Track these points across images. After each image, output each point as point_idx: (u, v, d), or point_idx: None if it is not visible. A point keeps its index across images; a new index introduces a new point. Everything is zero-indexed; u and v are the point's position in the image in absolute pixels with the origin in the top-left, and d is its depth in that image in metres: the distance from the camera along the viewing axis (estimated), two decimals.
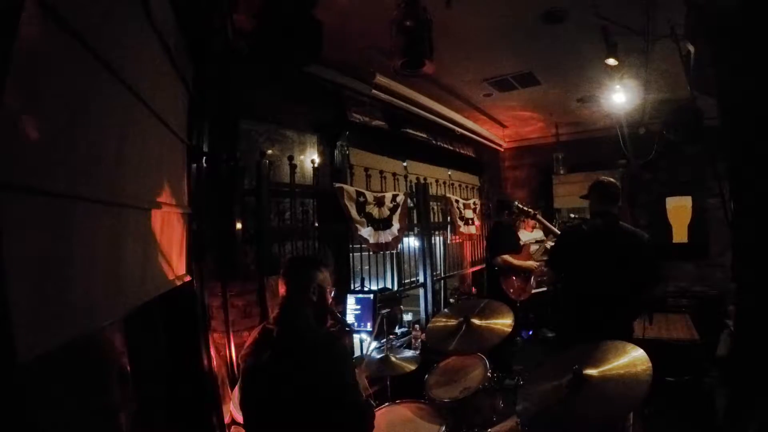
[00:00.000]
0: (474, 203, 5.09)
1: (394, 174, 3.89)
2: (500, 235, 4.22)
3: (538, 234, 4.93)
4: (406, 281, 4.14)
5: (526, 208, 4.16)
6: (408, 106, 4.05)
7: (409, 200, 3.89)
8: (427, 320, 3.85)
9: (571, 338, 2.64)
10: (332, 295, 1.81)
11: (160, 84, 1.41)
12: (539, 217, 4.15)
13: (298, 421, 1.49)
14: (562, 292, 2.89)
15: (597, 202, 2.70)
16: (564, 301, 2.82)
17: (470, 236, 4.98)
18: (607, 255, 2.52)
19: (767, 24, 1.51)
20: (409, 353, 2.69)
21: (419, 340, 3.49)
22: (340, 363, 1.59)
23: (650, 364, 1.51)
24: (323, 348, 1.57)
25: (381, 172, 3.69)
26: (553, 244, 3.29)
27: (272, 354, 1.58)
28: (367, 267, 3.58)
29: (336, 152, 3.42)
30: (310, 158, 3.11)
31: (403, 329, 3.70)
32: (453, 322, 2.53)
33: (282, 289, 1.69)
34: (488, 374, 2.31)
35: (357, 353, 3.02)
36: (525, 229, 4.89)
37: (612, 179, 2.75)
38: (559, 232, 3.74)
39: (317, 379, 1.50)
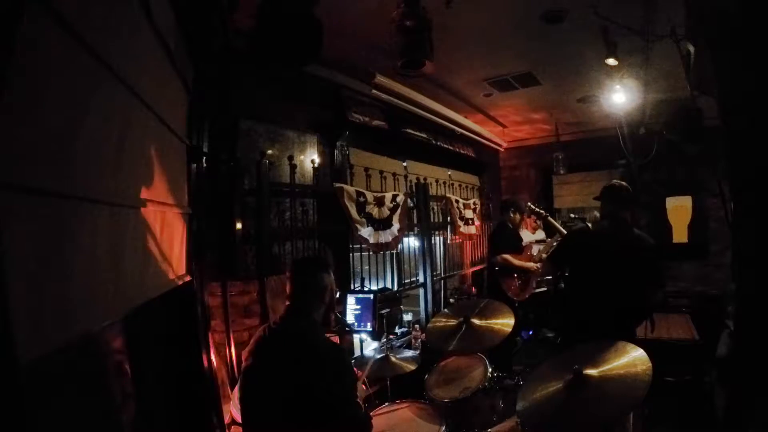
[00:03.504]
0: (474, 203, 5.08)
1: (394, 174, 3.88)
2: (502, 234, 4.22)
3: (540, 235, 4.94)
4: (406, 281, 4.13)
5: (538, 209, 4.20)
6: (408, 106, 4.05)
7: (409, 200, 3.89)
8: (427, 320, 3.85)
9: (572, 339, 2.64)
10: (337, 296, 1.81)
11: (160, 84, 1.41)
12: (550, 219, 4.15)
13: (296, 425, 1.49)
14: (565, 292, 2.89)
15: (606, 205, 2.72)
16: (567, 302, 2.82)
17: (470, 236, 4.98)
18: (611, 258, 2.52)
19: (767, 24, 1.51)
20: (409, 353, 2.69)
21: (419, 340, 3.49)
22: (343, 375, 1.59)
23: (650, 364, 1.52)
24: (327, 358, 1.57)
25: (381, 172, 3.68)
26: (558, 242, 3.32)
27: (274, 356, 1.58)
28: (367, 267, 3.58)
29: (336, 152, 3.41)
30: (310, 158, 3.11)
31: (403, 329, 3.70)
32: (453, 322, 2.53)
33: (288, 290, 1.69)
34: (488, 374, 2.31)
35: (357, 353, 3.02)
36: (527, 229, 4.89)
37: (625, 183, 2.76)
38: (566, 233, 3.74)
39: (318, 387, 1.49)
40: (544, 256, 3.98)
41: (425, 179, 4.35)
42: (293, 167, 2.84)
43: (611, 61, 2.91)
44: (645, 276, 2.53)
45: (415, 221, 4.10)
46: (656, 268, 2.58)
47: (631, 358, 1.59)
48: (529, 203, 4.33)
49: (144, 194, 1.26)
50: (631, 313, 2.52)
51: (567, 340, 2.78)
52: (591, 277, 2.61)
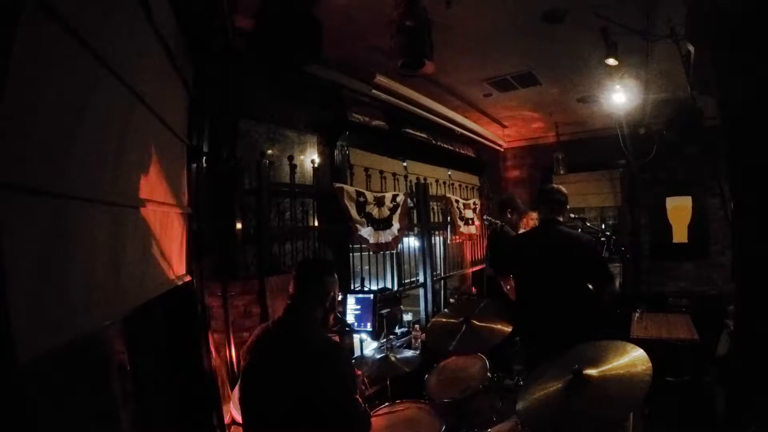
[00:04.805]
0: (474, 203, 5.08)
1: (394, 174, 3.88)
2: (499, 238, 4.18)
3: None
4: (406, 281, 4.13)
5: (493, 220, 3.96)
6: (408, 106, 4.05)
7: (409, 200, 3.89)
8: (427, 320, 3.85)
9: (530, 345, 2.64)
10: (339, 298, 1.81)
11: (160, 84, 1.41)
12: (507, 228, 3.85)
13: (295, 424, 1.49)
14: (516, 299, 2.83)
15: (542, 210, 2.75)
16: (516, 310, 2.80)
17: (470, 236, 4.97)
18: (543, 262, 2.53)
19: (767, 24, 1.51)
20: (409, 353, 2.69)
21: (419, 340, 3.49)
22: (342, 374, 1.59)
23: (650, 364, 1.51)
24: (327, 357, 1.57)
25: (381, 172, 3.68)
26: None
27: (273, 355, 1.58)
28: (367, 267, 3.58)
29: (336, 152, 3.41)
30: (310, 158, 3.11)
31: (403, 329, 3.70)
32: (453, 322, 2.52)
33: (291, 290, 1.69)
34: (488, 374, 2.31)
35: (357, 353, 3.02)
36: (526, 229, 4.85)
37: (557, 186, 2.78)
38: None
39: (317, 386, 1.50)
40: None
41: (425, 179, 4.35)
42: (293, 167, 2.84)
43: (611, 61, 2.91)
44: (588, 275, 2.50)
45: (415, 221, 4.10)
46: (596, 265, 2.54)
47: (631, 358, 1.59)
48: (486, 216, 4.13)
49: (144, 194, 1.26)
50: (578, 315, 2.40)
51: (527, 346, 2.77)
52: (529, 283, 2.63)
